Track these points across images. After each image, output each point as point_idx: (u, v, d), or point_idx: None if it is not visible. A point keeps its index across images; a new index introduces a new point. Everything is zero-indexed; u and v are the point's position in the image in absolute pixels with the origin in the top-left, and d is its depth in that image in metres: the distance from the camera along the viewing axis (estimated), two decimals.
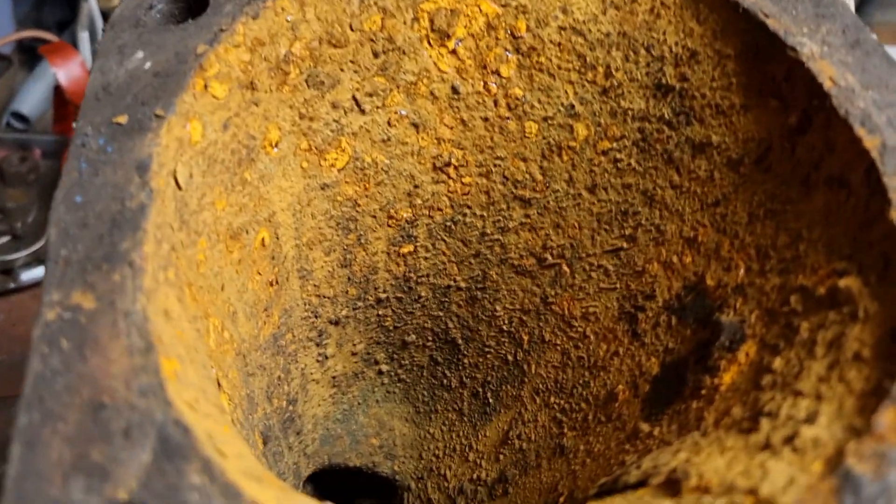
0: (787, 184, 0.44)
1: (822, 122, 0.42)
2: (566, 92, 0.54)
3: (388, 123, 0.55)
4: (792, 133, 0.44)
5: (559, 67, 0.54)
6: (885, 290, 0.35)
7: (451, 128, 0.56)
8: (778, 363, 0.38)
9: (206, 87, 0.46)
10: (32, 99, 1.74)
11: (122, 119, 0.43)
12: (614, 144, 0.54)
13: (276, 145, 0.52)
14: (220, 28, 0.48)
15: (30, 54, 1.81)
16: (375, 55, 0.53)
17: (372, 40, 0.53)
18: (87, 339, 0.34)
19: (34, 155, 1.63)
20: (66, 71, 1.47)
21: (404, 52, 0.54)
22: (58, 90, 1.50)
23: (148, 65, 0.47)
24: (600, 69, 0.53)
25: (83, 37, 1.80)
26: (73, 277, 0.37)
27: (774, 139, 0.45)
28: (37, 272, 1.45)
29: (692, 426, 0.41)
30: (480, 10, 0.53)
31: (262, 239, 0.53)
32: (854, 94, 0.41)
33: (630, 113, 0.53)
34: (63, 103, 1.49)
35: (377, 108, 0.55)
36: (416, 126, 0.56)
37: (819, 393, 0.34)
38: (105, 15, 1.83)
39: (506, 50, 0.54)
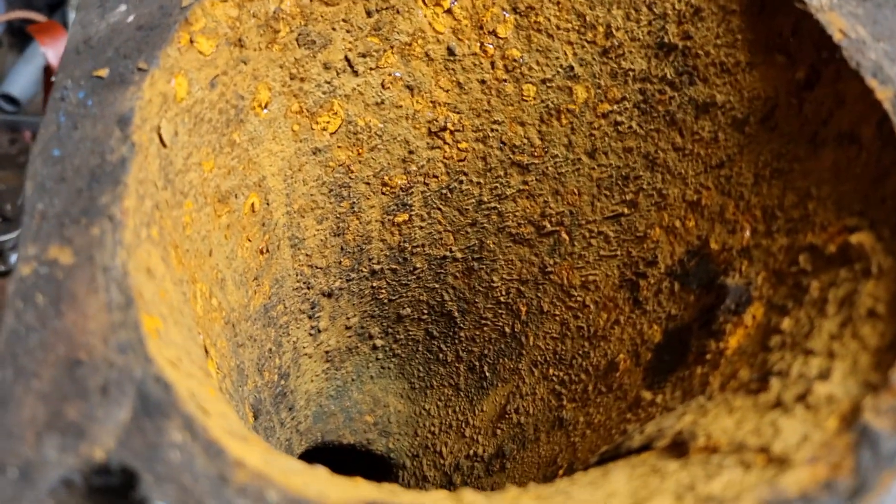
0: (794, 142, 0.42)
1: (832, 75, 0.40)
2: (565, 53, 0.52)
3: (382, 86, 0.54)
4: (799, 89, 0.42)
5: (558, 27, 0.52)
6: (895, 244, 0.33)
7: (447, 91, 0.54)
8: (787, 323, 0.37)
9: (191, 41, 0.45)
10: (22, 81, 1.71)
11: (103, 72, 0.41)
12: (615, 107, 0.52)
13: (266, 106, 0.50)
14: None
15: (20, 36, 1.79)
16: (368, 14, 0.51)
17: None
18: (64, 295, 0.33)
19: (24, 137, 1.61)
20: (55, 50, 1.44)
21: (398, 12, 0.52)
22: (47, 70, 1.48)
23: (131, 18, 0.45)
24: (600, 28, 0.51)
25: (74, 17, 1.78)
26: (49, 232, 0.35)
27: (781, 96, 0.44)
28: None
29: (696, 392, 0.40)
30: None
31: (252, 204, 0.51)
32: (865, 46, 0.40)
33: (631, 74, 0.51)
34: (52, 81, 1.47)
35: (370, 69, 0.53)
36: (410, 89, 0.54)
37: (831, 351, 0.32)
38: None
39: (503, 9, 0.52)
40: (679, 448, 0.32)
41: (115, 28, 0.44)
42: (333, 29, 0.51)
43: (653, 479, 0.29)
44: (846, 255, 0.36)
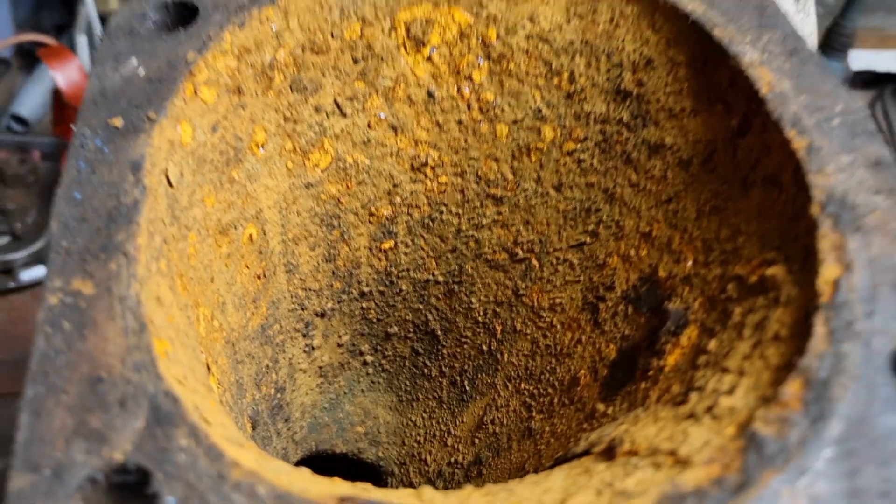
0: (728, 183, 0.48)
1: (760, 125, 0.46)
2: (534, 96, 0.58)
3: (368, 126, 0.59)
4: (734, 136, 0.48)
5: (527, 73, 0.57)
6: (805, 276, 0.39)
7: (428, 130, 0.60)
8: (713, 345, 0.42)
9: (195, 91, 0.50)
10: (31, 102, 1.77)
11: (118, 122, 0.47)
12: (578, 146, 0.57)
13: (263, 146, 0.56)
14: (209, 36, 0.52)
15: (28, 58, 1.84)
16: (355, 61, 0.57)
17: (352, 48, 0.57)
18: (87, 322, 0.38)
19: (33, 157, 1.66)
20: (64, 74, 1.50)
21: (382, 59, 0.57)
22: (56, 93, 1.54)
23: (141, 71, 0.50)
24: (565, 75, 0.56)
25: (81, 40, 1.83)
26: (73, 266, 0.40)
27: (719, 141, 0.49)
28: (36, 272, 1.49)
29: (639, 404, 0.45)
30: (453, 20, 0.57)
31: (250, 235, 0.57)
32: (787, 99, 0.45)
33: (592, 116, 0.56)
34: (62, 106, 1.53)
35: (358, 111, 0.58)
36: (394, 128, 0.60)
37: (742, 369, 0.38)
38: (102, 19, 1.86)
39: (478, 56, 0.58)
40: (609, 452, 0.37)
41: (128, 80, 0.50)
42: (323, 75, 0.57)
43: (582, 478, 0.35)
44: (763, 285, 0.42)
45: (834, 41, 2.04)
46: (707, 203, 0.49)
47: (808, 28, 0.76)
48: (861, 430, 0.33)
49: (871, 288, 0.37)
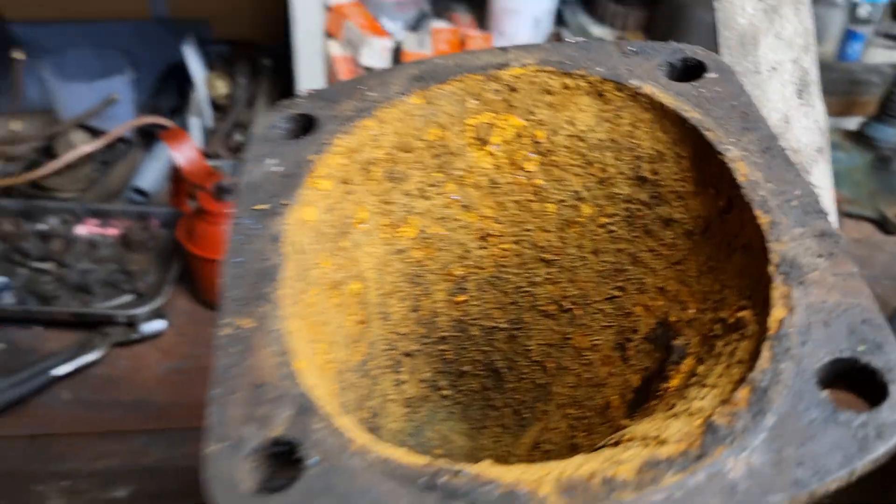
0: (719, 248, 0.63)
1: (739, 205, 0.60)
2: (574, 182, 0.74)
3: (445, 206, 0.76)
4: (722, 213, 0.63)
5: (568, 164, 0.73)
6: (762, 317, 0.53)
7: (491, 208, 0.76)
8: (701, 369, 0.56)
9: (315, 183, 0.68)
10: (151, 176, 1.98)
11: (263, 207, 0.65)
12: (609, 220, 0.73)
13: (364, 222, 0.73)
14: (324, 142, 0.69)
15: (148, 137, 2.07)
16: (435, 157, 0.74)
17: (431, 147, 0.73)
18: (249, 347, 0.55)
19: (152, 225, 1.87)
20: (181, 153, 1.72)
21: (455, 154, 0.74)
22: (174, 169, 1.76)
23: (277, 168, 0.68)
24: (597, 165, 0.72)
25: (193, 122, 2.06)
26: (237, 309, 0.57)
27: (712, 217, 0.64)
28: (155, 325, 1.68)
29: (648, 416, 0.59)
30: (510, 123, 0.73)
31: (354, 289, 0.74)
32: (759, 186, 0.60)
33: (620, 196, 0.72)
34: (179, 180, 1.75)
35: (437, 194, 0.75)
36: (465, 207, 0.76)
37: (715, 384, 0.52)
38: (213, 102, 2.09)
39: (529, 151, 0.74)
40: (616, 443, 0.52)
41: (267, 176, 0.68)
42: (410, 168, 0.74)
43: (593, 455, 0.49)
44: (738, 324, 0.56)
45: (890, 109, 2.15)
46: (705, 264, 0.64)
47: (815, 117, 0.90)
48: (788, 421, 0.47)
49: (807, 325, 0.51)
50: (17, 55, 1.98)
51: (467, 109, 0.73)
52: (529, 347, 0.82)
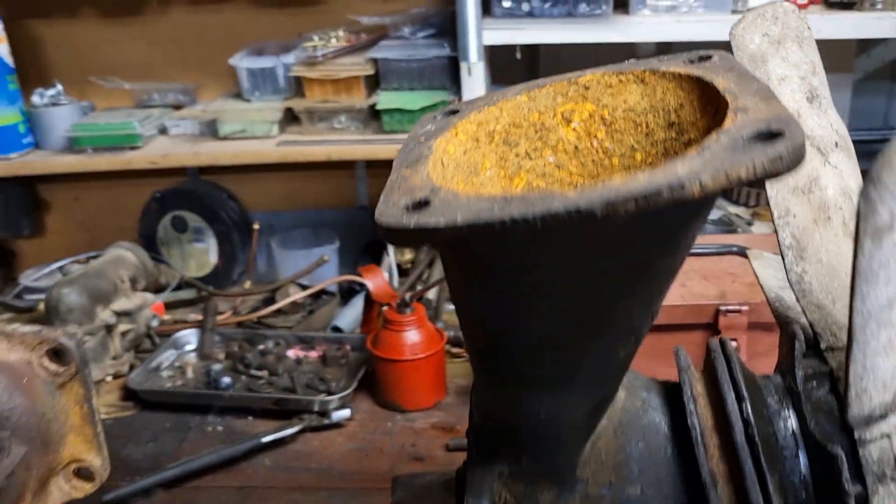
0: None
1: (723, 106, 0.93)
2: (629, 139, 1.08)
3: (544, 165, 1.12)
4: (715, 117, 0.95)
5: (624, 129, 1.08)
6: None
7: (576, 167, 1.11)
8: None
9: (456, 134, 1.06)
10: (347, 319, 2.45)
11: (421, 139, 1.03)
12: (654, 158, 1.06)
13: (488, 171, 1.10)
14: (464, 115, 1.09)
15: (348, 294, 2.56)
16: (536, 132, 1.11)
17: (533, 125, 1.11)
18: (406, 178, 0.91)
19: (345, 348, 2.30)
20: (373, 282, 2.18)
21: (550, 130, 1.11)
22: (367, 296, 2.20)
23: (432, 127, 1.08)
24: (643, 125, 1.07)
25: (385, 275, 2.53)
26: (401, 165, 0.95)
27: (712, 126, 0.96)
28: (342, 413, 2.04)
29: None
30: (585, 108, 1.11)
31: None
32: (732, 91, 0.93)
33: (658, 140, 1.05)
34: (370, 305, 2.19)
35: (538, 157, 1.11)
36: (558, 167, 1.12)
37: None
38: (399, 266, 2.56)
39: (599, 125, 1.10)
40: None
41: (426, 131, 1.07)
42: (520, 138, 1.11)
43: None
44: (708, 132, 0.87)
45: None
46: None
47: (828, 121, 1.18)
48: (719, 150, 0.78)
49: (745, 124, 0.83)
50: (255, 226, 2.57)
51: (557, 102, 1.11)
52: None
